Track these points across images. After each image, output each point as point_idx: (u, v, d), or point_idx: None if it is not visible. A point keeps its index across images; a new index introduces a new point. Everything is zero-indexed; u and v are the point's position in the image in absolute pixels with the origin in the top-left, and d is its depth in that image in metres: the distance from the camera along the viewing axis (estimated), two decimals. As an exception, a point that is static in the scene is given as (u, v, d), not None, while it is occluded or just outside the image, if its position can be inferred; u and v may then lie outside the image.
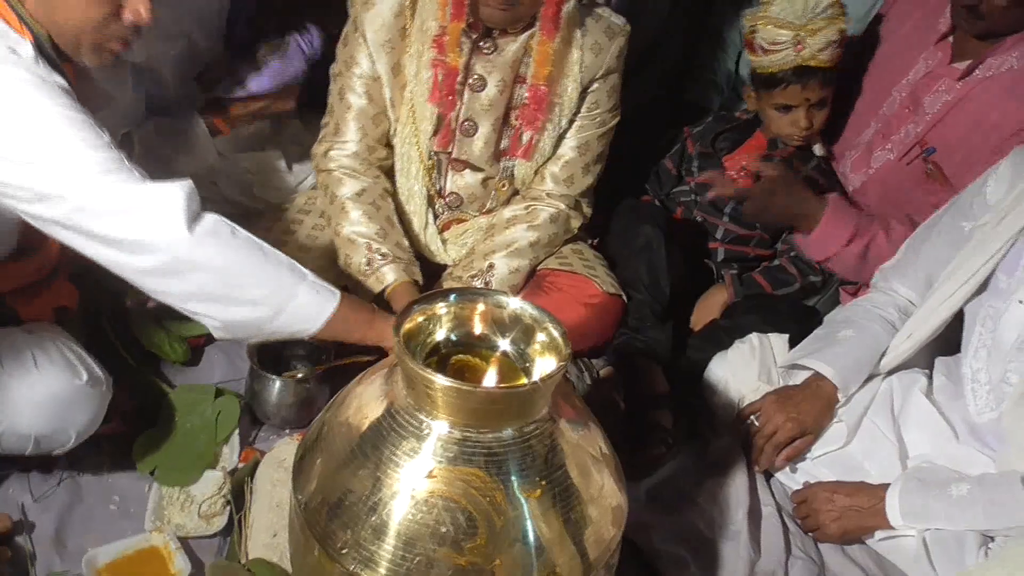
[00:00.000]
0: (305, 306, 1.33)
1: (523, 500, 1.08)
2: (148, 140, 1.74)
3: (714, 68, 2.34)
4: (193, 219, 1.25)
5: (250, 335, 1.37)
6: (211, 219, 1.28)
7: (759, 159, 1.90)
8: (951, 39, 1.81)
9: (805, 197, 1.85)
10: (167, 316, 1.66)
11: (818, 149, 1.95)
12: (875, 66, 1.97)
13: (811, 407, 1.59)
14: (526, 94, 1.71)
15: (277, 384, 1.61)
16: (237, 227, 1.31)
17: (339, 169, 1.76)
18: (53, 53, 1.29)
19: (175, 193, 1.25)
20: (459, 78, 1.68)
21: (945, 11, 1.81)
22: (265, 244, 1.32)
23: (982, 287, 1.49)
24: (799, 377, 1.66)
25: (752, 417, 1.62)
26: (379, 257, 1.68)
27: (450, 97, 1.68)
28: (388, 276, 1.67)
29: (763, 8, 1.83)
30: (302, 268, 1.34)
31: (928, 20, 1.86)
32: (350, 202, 1.73)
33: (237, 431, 1.59)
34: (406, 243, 1.74)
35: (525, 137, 1.74)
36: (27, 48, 1.24)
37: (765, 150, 1.95)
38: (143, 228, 1.24)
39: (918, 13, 1.89)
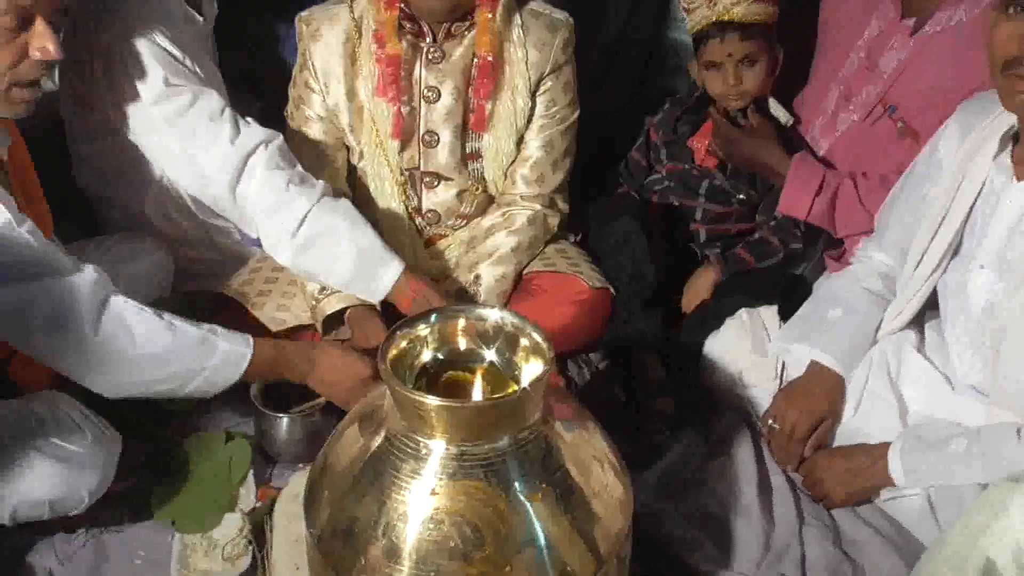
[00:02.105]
0: (215, 374, 1.42)
1: (527, 505, 1.10)
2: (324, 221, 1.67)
3: (680, 54, 2.37)
4: (98, 312, 1.31)
5: (162, 397, 1.44)
6: (117, 308, 1.34)
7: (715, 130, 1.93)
8: None
9: (772, 147, 1.89)
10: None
11: (782, 116, 1.97)
12: (833, 30, 1.99)
13: (820, 393, 1.60)
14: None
15: (284, 422, 1.64)
16: (144, 310, 1.36)
17: None
18: None
19: (78, 291, 1.30)
20: (406, 87, 1.72)
21: None
22: (175, 320, 1.39)
23: (954, 253, 1.51)
24: (796, 353, 1.67)
25: (771, 421, 1.64)
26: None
27: (394, 87, 1.71)
28: (339, 302, 1.71)
29: None
30: (213, 339, 1.41)
31: None
32: None
33: (251, 472, 1.63)
34: None
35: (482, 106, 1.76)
36: None
37: None
38: (48, 327, 1.29)
39: None
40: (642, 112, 2.17)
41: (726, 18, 1.84)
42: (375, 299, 1.67)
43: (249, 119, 1.71)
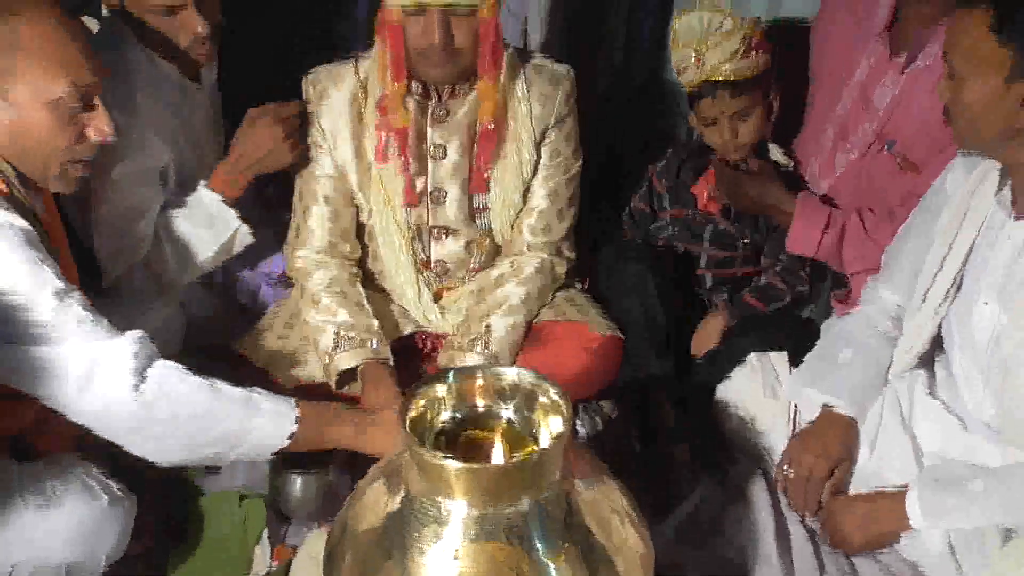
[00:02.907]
0: (260, 438, 1.40)
1: (549, 565, 1.10)
2: (168, 229, 1.82)
3: (677, 98, 2.40)
4: (140, 376, 1.31)
5: (213, 464, 1.45)
6: (158, 372, 1.34)
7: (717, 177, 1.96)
8: (887, 36, 1.86)
9: (776, 188, 1.91)
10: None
11: (782, 159, 2.00)
12: (824, 72, 2.02)
13: (834, 437, 1.60)
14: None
15: (299, 479, 1.63)
16: (187, 373, 1.36)
17: (307, 263, 1.83)
18: (22, 189, 1.35)
19: (121, 352, 1.30)
20: (414, 145, 1.73)
21: (878, 7, 1.86)
22: (216, 382, 1.39)
23: (957, 288, 1.52)
24: (808, 398, 1.67)
25: (786, 468, 1.63)
26: (346, 341, 1.74)
27: (403, 157, 1.73)
28: (353, 358, 1.73)
29: (673, 31, 1.91)
30: (257, 398, 1.41)
31: (865, 19, 1.90)
32: (320, 292, 1.80)
33: (266, 532, 1.62)
34: (375, 325, 1.79)
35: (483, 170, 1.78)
36: None
37: None
38: (90, 392, 1.29)
39: (852, 17, 1.94)
40: (642, 153, 2.19)
41: (715, 78, 1.87)
42: (231, 225, 1.82)
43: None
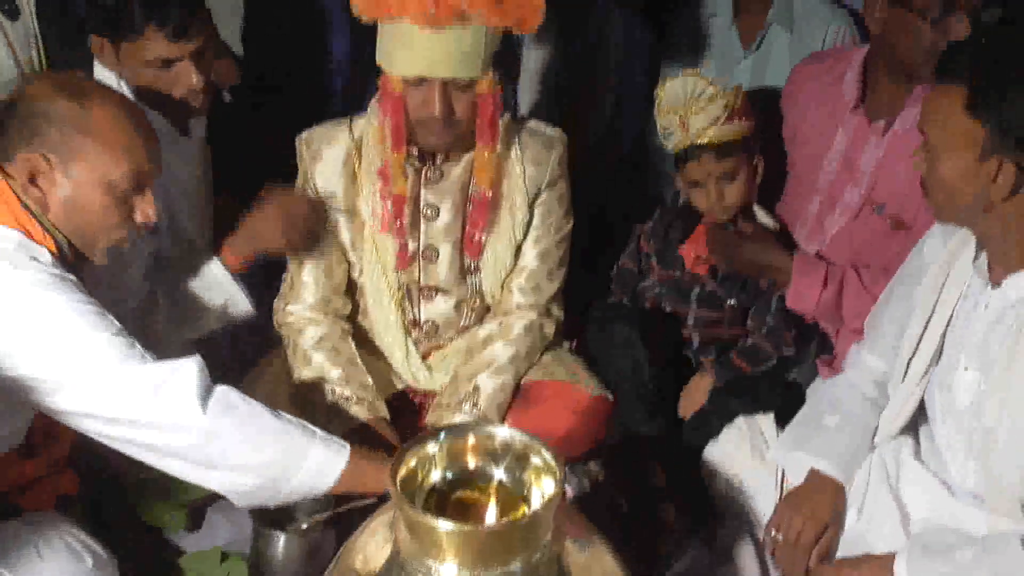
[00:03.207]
0: (318, 464, 1.42)
1: (539, 630, 1.09)
2: (172, 294, 1.81)
3: (664, 160, 2.44)
4: (205, 395, 1.36)
5: (267, 499, 1.44)
6: (222, 392, 1.39)
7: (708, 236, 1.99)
8: (863, 107, 1.91)
9: (772, 248, 1.94)
10: (165, 485, 1.67)
11: (768, 223, 2.03)
12: (801, 145, 2.05)
13: (823, 500, 1.60)
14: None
15: (282, 539, 1.61)
16: (246, 396, 1.40)
17: (298, 320, 1.83)
18: (70, 254, 1.44)
19: (186, 372, 1.36)
20: (408, 207, 1.75)
21: (844, 82, 1.92)
22: (274, 409, 1.42)
23: (938, 356, 1.54)
24: (795, 461, 1.68)
25: (774, 532, 1.62)
26: (343, 400, 1.74)
27: (399, 223, 1.75)
28: (352, 417, 1.72)
29: (658, 97, 1.96)
30: (312, 427, 1.44)
31: (834, 91, 1.95)
32: (311, 350, 1.80)
33: (247, 593, 1.59)
34: (369, 382, 1.79)
35: (474, 237, 1.80)
36: (45, 254, 1.38)
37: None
38: (158, 410, 1.34)
39: (820, 87, 1.99)
40: (631, 214, 2.22)
41: (699, 141, 1.91)
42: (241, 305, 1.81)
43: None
